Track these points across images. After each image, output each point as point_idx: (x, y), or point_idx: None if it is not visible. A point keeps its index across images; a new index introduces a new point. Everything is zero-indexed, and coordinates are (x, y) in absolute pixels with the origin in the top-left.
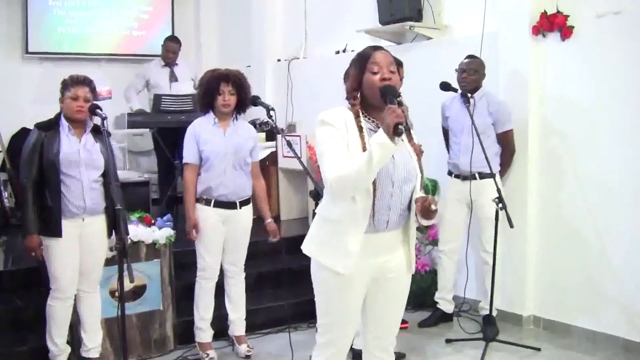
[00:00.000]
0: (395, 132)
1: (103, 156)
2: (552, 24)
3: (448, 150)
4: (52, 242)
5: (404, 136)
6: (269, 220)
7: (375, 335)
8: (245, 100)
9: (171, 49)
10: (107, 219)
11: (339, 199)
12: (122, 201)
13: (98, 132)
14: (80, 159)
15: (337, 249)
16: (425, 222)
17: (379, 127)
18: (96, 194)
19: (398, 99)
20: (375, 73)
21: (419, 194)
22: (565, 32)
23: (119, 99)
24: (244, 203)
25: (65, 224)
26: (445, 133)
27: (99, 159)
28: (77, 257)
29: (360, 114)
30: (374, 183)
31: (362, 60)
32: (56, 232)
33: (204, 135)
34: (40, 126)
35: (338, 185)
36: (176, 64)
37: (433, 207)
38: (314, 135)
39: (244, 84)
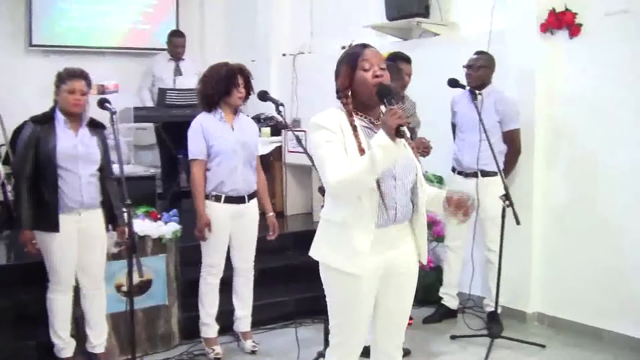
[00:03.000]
0: (397, 133)
1: (99, 150)
2: (561, 22)
3: (455, 145)
4: (49, 237)
5: None
6: (271, 213)
7: (385, 331)
8: (250, 93)
9: (179, 43)
10: (105, 213)
11: (340, 201)
12: (117, 196)
13: (94, 126)
14: (77, 153)
15: (346, 250)
16: (461, 218)
17: (372, 124)
18: (93, 188)
19: (395, 98)
20: (367, 70)
21: (424, 184)
22: (574, 30)
23: (124, 93)
24: (251, 197)
25: (63, 219)
26: (454, 129)
27: (95, 153)
28: (75, 251)
29: (353, 112)
30: (377, 180)
31: (353, 58)
32: (54, 227)
33: (212, 131)
34: (35, 120)
35: (341, 189)
36: (182, 59)
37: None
38: (309, 138)
39: (251, 78)
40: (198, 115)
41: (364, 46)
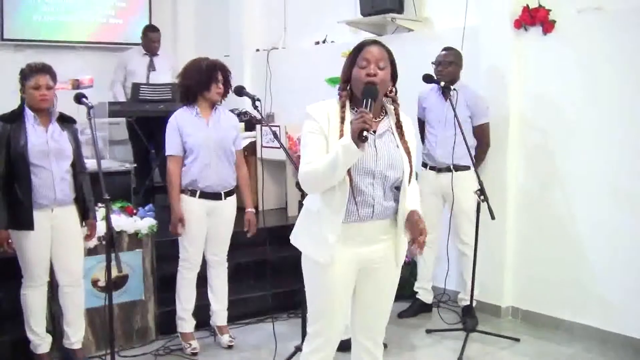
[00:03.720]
0: (359, 137)
1: (71, 145)
2: (534, 18)
3: (423, 141)
4: (23, 235)
5: (394, 129)
6: (250, 209)
7: (362, 324)
8: (227, 90)
9: (155, 38)
10: (78, 208)
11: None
12: (90, 190)
13: (64, 121)
14: (49, 149)
15: (318, 239)
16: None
17: None
18: (66, 184)
19: (374, 102)
20: (363, 67)
21: (408, 190)
22: (547, 26)
23: (98, 88)
24: (228, 194)
25: (36, 215)
26: (421, 124)
27: (67, 149)
28: (49, 247)
29: (348, 105)
30: (349, 174)
31: (355, 53)
32: (27, 225)
33: (186, 127)
34: (4, 118)
35: (304, 181)
36: (157, 54)
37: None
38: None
39: (229, 73)
40: (175, 111)
41: (372, 42)
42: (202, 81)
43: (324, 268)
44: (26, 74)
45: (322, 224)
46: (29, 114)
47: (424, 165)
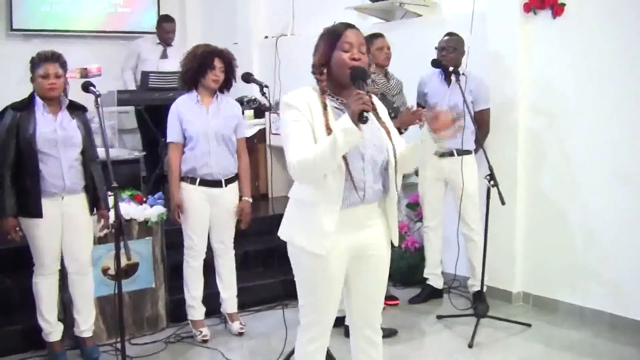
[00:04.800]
0: (360, 119)
1: (81, 133)
2: (544, 2)
3: (420, 126)
4: (32, 222)
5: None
6: (246, 198)
7: (360, 312)
8: (231, 79)
9: (169, 28)
10: (87, 197)
11: (301, 183)
12: (102, 179)
13: (74, 109)
14: (57, 138)
15: (313, 230)
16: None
17: (343, 105)
18: (75, 172)
19: (367, 81)
20: (346, 51)
21: (401, 149)
22: (557, 9)
23: (107, 77)
24: (229, 181)
25: (45, 204)
26: (421, 108)
27: (76, 136)
28: (59, 235)
29: (326, 91)
30: (345, 160)
31: (334, 37)
32: (36, 213)
33: (186, 114)
34: (14, 107)
35: (301, 170)
36: (171, 45)
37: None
38: (281, 117)
39: (234, 62)
40: (177, 98)
41: (348, 26)
42: (197, 68)
43: (319, 259)
44: (35, 62)
45: (318, 213)
46: (38, 102)
47: None
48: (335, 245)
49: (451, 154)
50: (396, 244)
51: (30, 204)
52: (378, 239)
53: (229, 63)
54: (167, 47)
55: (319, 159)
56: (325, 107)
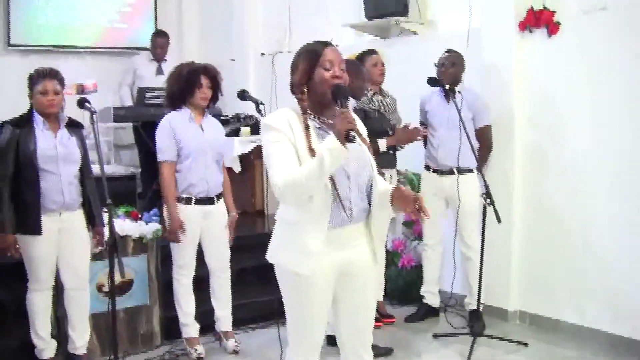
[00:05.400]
0: (347, 138)
1: (79, 150)
2: (539, 20)
3: (425, 144)
4: (30, 239)
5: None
6: (233, 213)
7: (350, 334)
8: (217, 94)
9: (158, 44)
10: (85, 213)
11: (287, 204)
12: (96, 196)
13: (73, 126)
14: (57, 154)
15: (298, 250)
16: (399, 211)
17: (323, 124)
18: (74, 188)
19: (348, 102)
20: (327, 69)
21: (379, 181)
22: (552, 28)
23: (103, 92)
24: (219, 197)
25: (44, 220)
26: (424, 127)
27: (75, 153)
28: (55, 252)
29: (307, 111)
30: (332, 180)
31: (314, 55)
32: (35, 230)
33: (182, 132)
34: (13, 122)
35: (287, 191)
36: (165, 60)
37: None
38: (262, 140)
39: (218, 76)
40: (167, 114)
41: (326, 44)
42: (185, 88)
43: (305, 279)
44: (34, 79)
45: (304, 233)
46: (37, 118)
47: (427, 167)
48: (321, 265)
49: (451, 172)
50: (377, 263)
51: (29, 221)
52: (363, 257)
53: (214, 78)
54: (161, 63)
55: (305, 180)
56: (307, 127)
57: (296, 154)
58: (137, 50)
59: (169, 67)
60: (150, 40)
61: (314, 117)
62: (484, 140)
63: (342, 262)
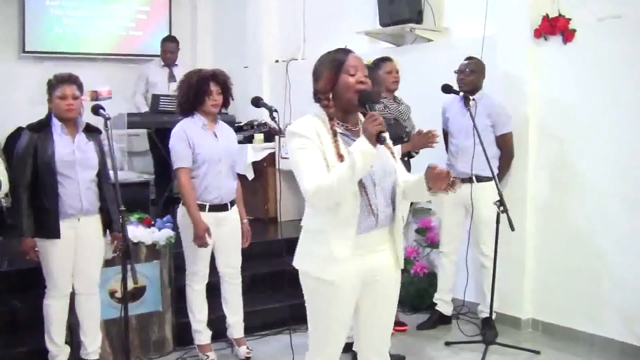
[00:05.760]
0: (378, 139)
1: (97, 155)
2: (554, 28)
3: (447, 152)
4: (48, 243)
5: None
6: (245, 220)
7: (370, 338)
8: (228, 100)
9: (168, 48)
10: (102, 218)
11: (318, 209)
12: (114, 201)
13: (91, 131)
14: (75, 159)
15: (326, 257)
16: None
17: (348, 131)
18: (91, 194)
19: (377, 105)
20: (352, 75)
21: (404, 174)
22: (567, 35)
23: (118, 99)
24: (232, 203)
25: (62, 225)
26: (445, 135)
27: (93, 158)
28: (73, 257)
29: (333, 118)
30: (361, 185)
31: (338, 62)
32: (54, 234)
33: (196, 139)
34: (31, 128)
35: (320, 197)
36: (176, 65)
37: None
38: (288, 147)
39: (229, 83)
40: (180, 121)
41: (348, 51)
42: (195, 95)
43: (330, 286)
44: (53, 84)
45: (331, 240)
46: (56, 123)
47: None
48: (347, 271)
49: (470, 180)
50: (401, 267)
51: (47, 225)
52: (387, 263)
53: (224, 83)
54: (172, 69)
55: (337, 183)
56: (335, 134)
57: (324, 160)
58: (151, 57)
59: (180, 72)
60: (160, 46)
61: (339, 123)
62: (505, 148)
63: (368, 268)
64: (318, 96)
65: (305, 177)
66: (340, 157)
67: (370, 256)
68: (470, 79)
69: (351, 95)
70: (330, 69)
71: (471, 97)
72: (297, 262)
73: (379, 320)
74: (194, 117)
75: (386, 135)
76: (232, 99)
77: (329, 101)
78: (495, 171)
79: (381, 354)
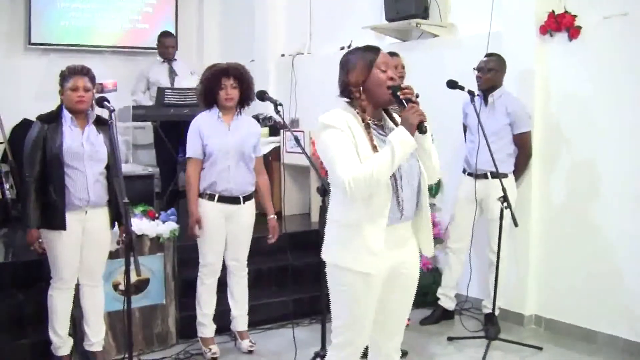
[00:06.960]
0: (420, 129)
1: (106, 148)
2: (560, 24)
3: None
4: (55, 235)
5: None
6: (272, 216)
7: (386, 331)
8: (248, 93)
9: (169, 44)
10: (110, 211)
11: (355, 200)
12: (122, 194)
13: (101, 123)
14: (83, 152)
15: (360, 249)
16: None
17: (376, 125)
18: (100, 186)
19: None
20: (383, 71)
21: (425, 179)
22: (573, 32)
23: (123, 92)
24: (247, 198)
25: (69, 217)
26: (465, 130)
27: (102, 151)
28: (79, 249)
29: (366, 110)
30: (394, 177)
31: (371, 57)
32: (60, 225)
33: (207, 130)
34: (42, 119)
35: (357, 186)
36: (175, 59)
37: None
38: (318, 139)
39: (246, 76)
40: (197, 114)
41: (378, 48)
42: (209, 89)
43: (363, 278)
44: (65, 75)
45: (365, 232)
46: (66, 115)
47: (463, 171)
48: (380, 263)
49: (485, 176)
50: (430, 254)
51: (54, 216)
52: (412, 256)
53: (241, 79)
54: (171, 64)
55: (377, 173)
56: (368, 126)
57: (357, 152)
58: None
59: (180, 66)
60: (157, 42)
61: (369, 117)
62: (522, 147)
63: (395, 261)
64: (349, 89)
65: (339, 167)
66: (375, 149)
67: (398, 249)
68: (487, 76)
69: (383, 90)
70: (363, 64)
71: (477, 94)
72: (326, 255)
73: (396, 314)
74: (211, 110)
75: (427, 125)
76: (252, 92)
77: (360, 94)
78: (510, 169)
79: (394, 346)
